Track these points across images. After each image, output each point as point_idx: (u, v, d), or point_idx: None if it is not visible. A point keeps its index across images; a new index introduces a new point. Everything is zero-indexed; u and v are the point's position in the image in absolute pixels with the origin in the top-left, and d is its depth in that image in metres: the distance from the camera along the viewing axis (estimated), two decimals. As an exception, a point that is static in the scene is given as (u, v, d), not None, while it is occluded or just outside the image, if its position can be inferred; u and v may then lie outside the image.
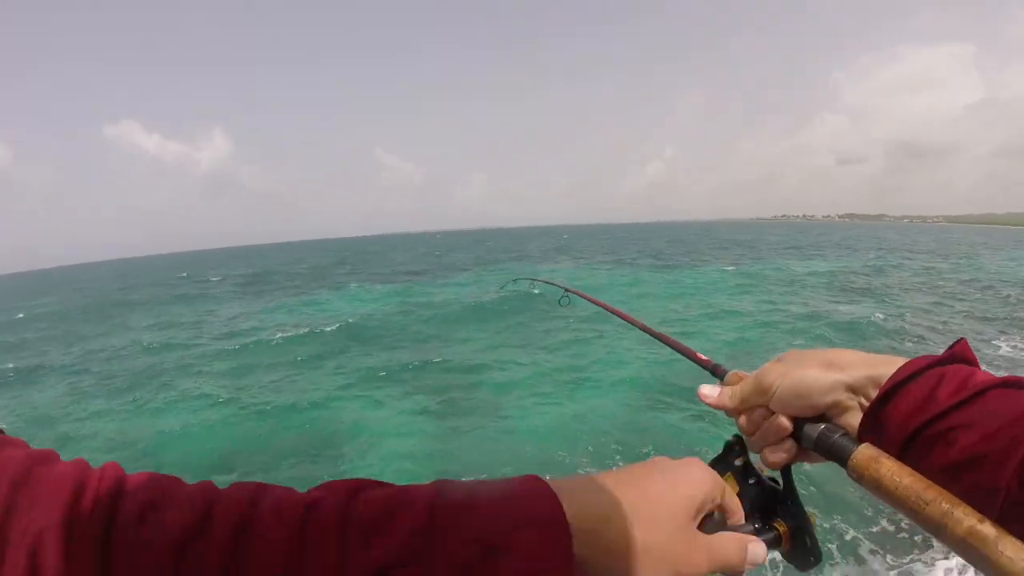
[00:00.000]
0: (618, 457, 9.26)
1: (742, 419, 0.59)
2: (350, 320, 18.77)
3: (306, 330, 17.49)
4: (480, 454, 8.82)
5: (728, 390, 0.61)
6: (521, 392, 12.89)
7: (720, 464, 0.60)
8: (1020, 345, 15.50)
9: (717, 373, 0.69)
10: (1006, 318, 20.15)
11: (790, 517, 0.54)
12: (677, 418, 11.93)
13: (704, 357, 0.76)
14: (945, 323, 22.51)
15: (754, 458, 0.60)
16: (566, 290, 1.59)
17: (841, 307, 22.83)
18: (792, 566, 0.56)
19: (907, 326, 22.32)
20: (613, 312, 1.17)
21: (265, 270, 51.32)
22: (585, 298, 1.43)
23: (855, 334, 16.89)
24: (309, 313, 21.72)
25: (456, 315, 19.01)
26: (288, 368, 14.30)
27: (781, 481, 0.57)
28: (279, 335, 17.13)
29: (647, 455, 10.00)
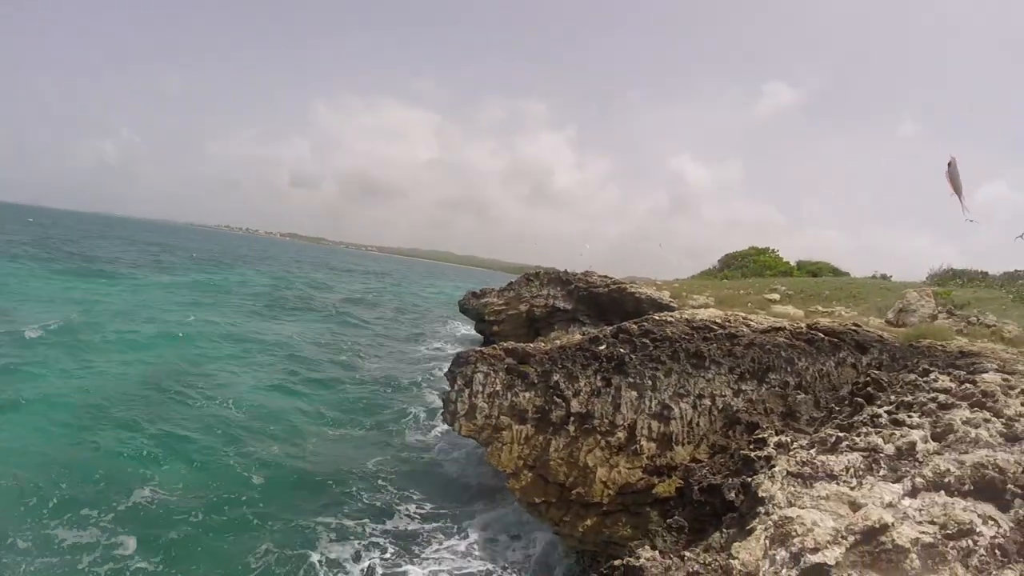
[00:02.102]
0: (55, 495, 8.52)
1: None
2: None
3: None
4: None
5: None
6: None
7: None
8: (436, 345, 22.47)
9: None
10: (421, 332, 27.35)
11: None
12: (114, 441, 11.10)
13: None
14: (390, 327, 28.41)
15: None
16: None
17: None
18: None
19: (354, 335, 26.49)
20: None
21: None
22: None
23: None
24: None
25: None
26: None
27: None
28: None
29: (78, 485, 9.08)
